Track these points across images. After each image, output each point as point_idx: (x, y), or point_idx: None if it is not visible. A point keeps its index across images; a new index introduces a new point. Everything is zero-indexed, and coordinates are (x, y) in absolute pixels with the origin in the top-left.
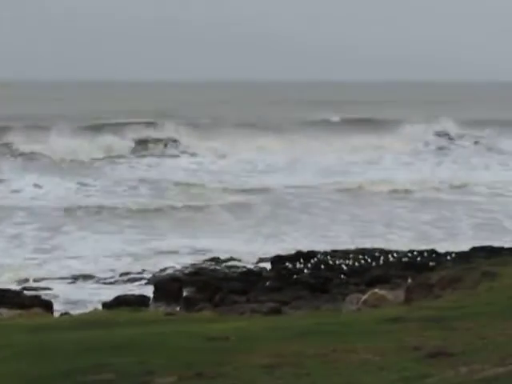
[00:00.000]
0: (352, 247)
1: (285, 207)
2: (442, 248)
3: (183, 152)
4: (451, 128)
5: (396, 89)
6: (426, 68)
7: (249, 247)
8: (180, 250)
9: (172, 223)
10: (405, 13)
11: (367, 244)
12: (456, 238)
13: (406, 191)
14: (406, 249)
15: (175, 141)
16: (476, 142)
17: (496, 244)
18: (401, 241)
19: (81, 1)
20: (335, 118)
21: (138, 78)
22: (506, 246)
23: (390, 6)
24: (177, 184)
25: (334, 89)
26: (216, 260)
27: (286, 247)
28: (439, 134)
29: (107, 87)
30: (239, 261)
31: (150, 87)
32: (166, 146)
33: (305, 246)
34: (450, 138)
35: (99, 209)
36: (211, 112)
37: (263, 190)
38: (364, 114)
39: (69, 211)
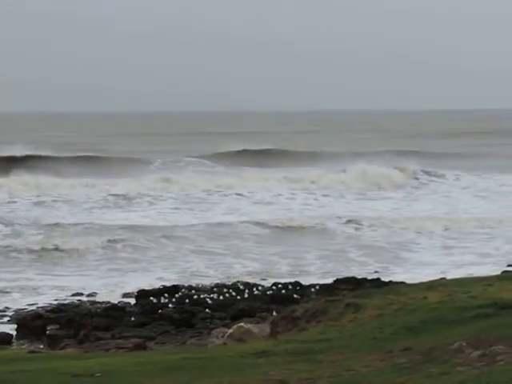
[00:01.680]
0: (208, 279)
1: (140, 241)
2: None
3: (41, 189)
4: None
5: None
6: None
7: (109, 282)
8: (40, 287)
9: (30, 261)
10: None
11: (215, 273)
12: (299, 269)
13: (259, 224)
14: (254, 278)
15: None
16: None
17: (342, 274)
18: (245, 270)
19: None
20: (238, 149)
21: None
22: (369, 277)
23: None
24: (34, 222)
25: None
26: (79, 296)
27: (148, 282)
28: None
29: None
30: (102, 296)
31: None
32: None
33: (164, 280)
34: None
35: None
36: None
37: (111, 226)
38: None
39: None
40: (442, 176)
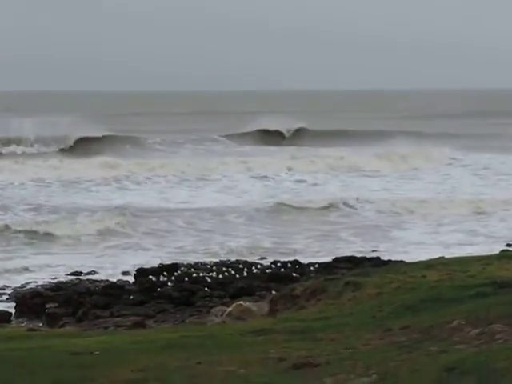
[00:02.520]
0: (197, 257)
1: (136, 220)
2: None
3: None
4: None
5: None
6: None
7: (106, 261)
8: (37, 266)
9: (26, 240)
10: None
11: (207, 250)
12: (287, 247)
13: (253, 203)
14: (243, 255)
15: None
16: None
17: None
18: (235, 246)
19: None
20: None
21: None
22: (368, 256)
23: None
24: (28, 202)
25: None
26: (78, 274)
27: (144, 260)
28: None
29: None
30: (101, 275)
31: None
32: None
33: (159, 258)
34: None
35: None
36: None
37: (107, 205)
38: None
39: None
40: (445, 156)
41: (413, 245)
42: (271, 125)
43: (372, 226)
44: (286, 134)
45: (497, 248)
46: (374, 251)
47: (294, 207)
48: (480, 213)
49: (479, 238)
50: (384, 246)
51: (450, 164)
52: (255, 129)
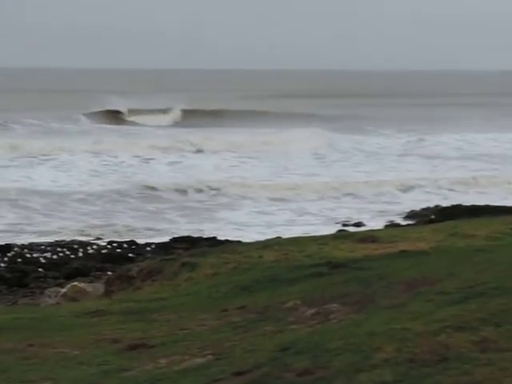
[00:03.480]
0: (53, 239)
1: None
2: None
3: None
4: None
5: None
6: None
7: None
8: None
9: None
10: None
11: (40, 230)
12: (114, 227)
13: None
14: (78, 236)
15: None
16: None
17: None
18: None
19: None
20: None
21: None
22: (205, 236)
23: None
24: None
25: None
26: None
27: None
28: None
29: None
30: None
31: None
32: None
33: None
34: None
35: None
36: None
37: None
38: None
39: None
40: (288, 137)
41: (238, 225)
42: (137, 104)
43: (199, 207)
44: (144, 114)
45: (325, 229)
46: (209, 232)
47: (121, 188)
48: (312, 193)
49: (307, 218)
50: (209, 226)
51: (288, 146)
52: (108, 108)
